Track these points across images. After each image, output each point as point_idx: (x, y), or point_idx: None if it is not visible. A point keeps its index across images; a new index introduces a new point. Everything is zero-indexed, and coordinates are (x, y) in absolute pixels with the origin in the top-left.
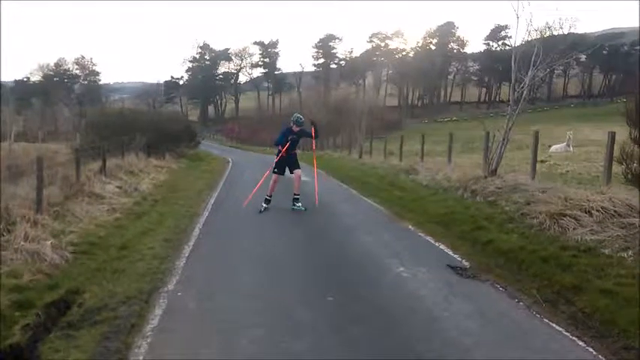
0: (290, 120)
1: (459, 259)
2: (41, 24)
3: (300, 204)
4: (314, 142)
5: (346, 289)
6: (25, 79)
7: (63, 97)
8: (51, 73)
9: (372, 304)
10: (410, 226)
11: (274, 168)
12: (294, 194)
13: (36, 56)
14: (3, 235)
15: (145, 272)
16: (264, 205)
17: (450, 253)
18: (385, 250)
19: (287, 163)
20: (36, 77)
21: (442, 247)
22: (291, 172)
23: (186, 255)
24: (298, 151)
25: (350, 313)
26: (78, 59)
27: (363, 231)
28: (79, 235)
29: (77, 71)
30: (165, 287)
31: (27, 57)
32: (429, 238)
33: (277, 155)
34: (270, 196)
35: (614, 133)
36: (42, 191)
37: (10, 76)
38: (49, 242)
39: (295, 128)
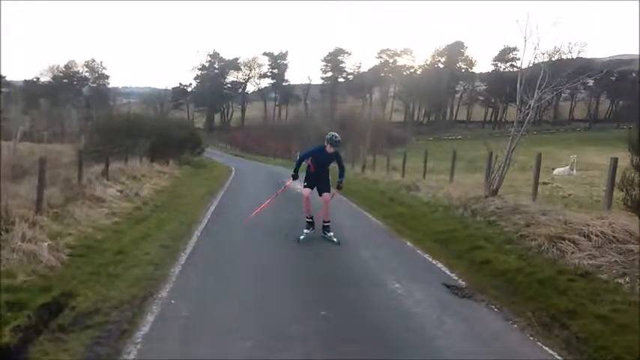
0: (325, 139)
1: (456, 278)
2: (54, 26)
3: (331, 234)
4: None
5: (340, 303)
6: (34, 80)
7: (71, 99)
8: (60, 74)
9: (364, 320)
10: (408, 243)
11: (304, 182)
12: (324, 222)
13: (47, 57)
14: (0, 235)
15: (139, 278)
16: (307, 230)
17: (447, 271)
18: (381, 266)
19: (317, 178)
20: (46, 78)
21: (439, 265)
22: (319, 193)
23: (182, 263)
24: None
25: (342, 328)
26: (88, 62)
27: (360, 245)
28: (76, 238)
29: (87, 74)
30: (159, 294)
31: (38, 58)
32: (426, 256)
33: (294, 172)
34: (311, 217)
35: (617, 158)
36: (43, 192)
37: (19, 75)
38: (46, 244)
39: (330, 149)
